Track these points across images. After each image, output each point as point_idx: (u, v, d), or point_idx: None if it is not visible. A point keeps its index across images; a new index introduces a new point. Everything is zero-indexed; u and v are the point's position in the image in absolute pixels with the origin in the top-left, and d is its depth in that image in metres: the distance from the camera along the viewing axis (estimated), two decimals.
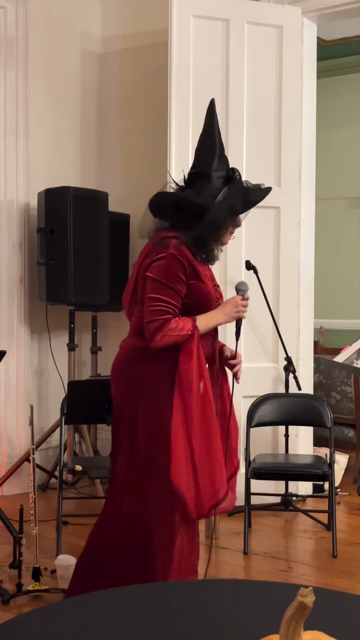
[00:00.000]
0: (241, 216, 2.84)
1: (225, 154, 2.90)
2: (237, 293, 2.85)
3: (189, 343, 2.65)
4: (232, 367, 2.91)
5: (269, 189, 2.89)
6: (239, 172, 2.83)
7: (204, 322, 2.74)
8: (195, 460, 2.63)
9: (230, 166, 2.85)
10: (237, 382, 2.90)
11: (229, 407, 2.92)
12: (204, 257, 2.77)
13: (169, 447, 2.63)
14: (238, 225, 2.86)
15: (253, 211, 4.92)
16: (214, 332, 2.84)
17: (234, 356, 2.90)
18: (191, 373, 2.64)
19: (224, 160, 2.85)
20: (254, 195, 2.82)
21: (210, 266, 2.89)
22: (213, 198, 2.73)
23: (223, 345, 2.96)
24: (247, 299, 2.84)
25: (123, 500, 2.77)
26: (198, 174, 2.81)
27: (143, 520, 2.71)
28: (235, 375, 2.90)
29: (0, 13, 4.83)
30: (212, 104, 2.91)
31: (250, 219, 4.65)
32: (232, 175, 2.80)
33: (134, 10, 5.38)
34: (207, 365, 2.74)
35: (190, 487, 2.63)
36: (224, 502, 2.77)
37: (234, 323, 2.89)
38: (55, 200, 4.69)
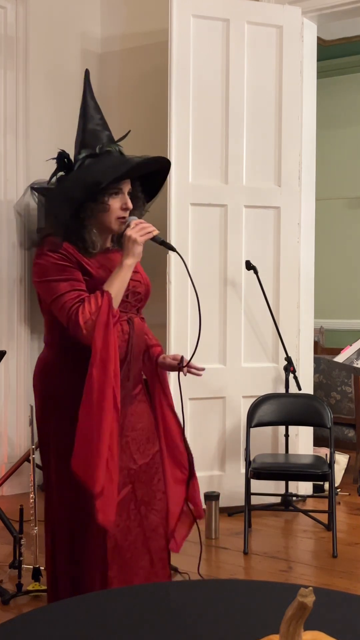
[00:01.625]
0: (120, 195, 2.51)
1: (101, 130, 2.65)
2: (127, 227, 2.52)
3: (100, 316, 2.38)
4: (178, 369, 2.65)
5: (136, 162, 2.53)
6: (103, 148, 2.56)
7: (112, 280, 2.45)
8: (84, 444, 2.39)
9: (107, 143, 2.58)
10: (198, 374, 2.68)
11: (170, 416, 2.69)
12: (83, 247, 2.47)
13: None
14: (126, 208, 2.50)
15: (253, 211, 4.94)
16: (127, 334, 2.54)
17: (181, 361, 2.64)
18: (97, 342, 2.37)
19: (95, 137, 2.60)
20: (104, 174, 2.45)
21: (118, 250, 2.56)
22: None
23: (160, 354, 2.71)
24: (141, 222, 2.51)
25: (53, 519, 2.68)
26: (74, 158, 2.58)
27: (72, 538, 2.59)
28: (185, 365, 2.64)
29: (0, 13, 4.83)
30: (86, 75, 2.67)
31: (250, 219, 4.68)
32: (92, 154, 2.54)
33: (134, 10, 5.38)
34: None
35: (82, 466, 2.38)
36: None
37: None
38: None
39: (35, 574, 3.30)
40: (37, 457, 3.73)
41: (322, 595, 1.63)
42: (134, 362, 2.59)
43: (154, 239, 2.54)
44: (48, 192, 2.54)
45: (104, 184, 2.44)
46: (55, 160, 2.61)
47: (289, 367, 4.50)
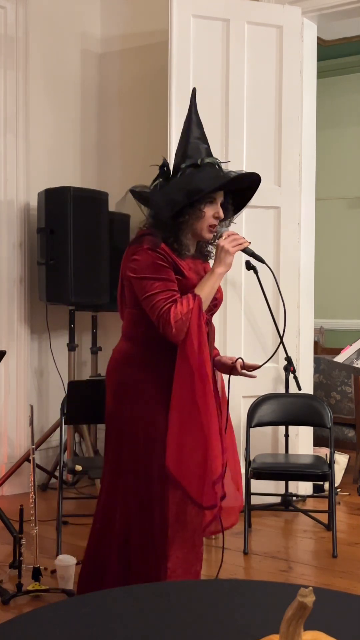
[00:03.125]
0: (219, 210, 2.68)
1: (201, 144, 2.75)
2: (220, 237, 2.71)
3: (192, 317, 2.55)
4: (242, 373, 2.83)
5: (233, 175, 2.70)
6: (203, 160, 2.68)
7: (203, 285, 2.63)
8: (190, 447, 2.57)
9: (206, 155, 2.71)
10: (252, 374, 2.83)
11: (226, 407, 2.87)
12: (177, 249, 2.63)
13: (158, 452, 2.58)
14: (218, 217, 2.68)
15: (253, 211, 4.95)
16: (206, 334, 2.66)
17: (245, 366, 2.81)
18: (191, 349, 2.54)
19: (197, 149, 2.72)
20: (205, 182, 2.61)
21: (202, 260, 2.79)
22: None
23: (218, 354, 2.89)
24: (233, 233, 2.71)
25: (115, 506, 2.72)
26: (174, 167, 2.73)
27: (129, 527, 2.67)
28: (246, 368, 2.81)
29: (0, 13, 4.83)
30: (193, 94, 2.82)
31: (250, 219, 4.68)
32: (194, 164, 2.66)
33: (134, 10, 5.38)
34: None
35: (187, 474, 2.57)
36: (231, 502, 2.76)
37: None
38: (55, 200, 4.69)
39: (35, 574, 3.30)
40: (37, 457, 3.74)
41: (322, 595, 1.63)
42: (211, 362, 2.75)
43: (244, 250, 2.73)
44: (151, 194, 2.69)
45: (205, 191, 2.61)
46: (157, 167, 2.78)
47: (289, 367, 4.50)
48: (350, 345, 5.67)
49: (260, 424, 4.16)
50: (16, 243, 4.93)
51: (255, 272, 4.46)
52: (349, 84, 7.66)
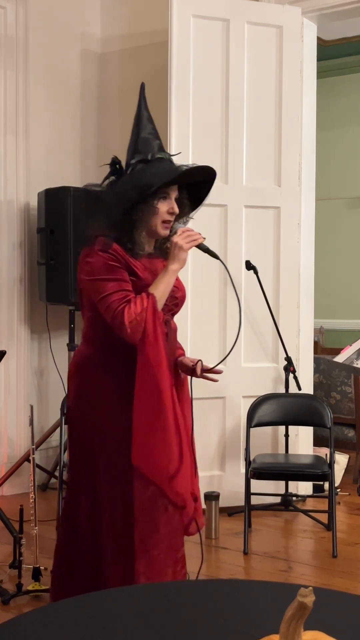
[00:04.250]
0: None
1: (152, 139, 2.72)
2: (174, 234, 2.64)
3: (147, 316, 2.49)
4: (192, 371, 2.75)
5: (184, 169, 2.62)
6: (154, 155, 2.64)
7: (157, 284, 2.57)
8: (158, 447, 2.52)
9: (157, 151, 2.66)
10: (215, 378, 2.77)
11: (191, 413, 2.81)
12: (131, 248, 2.58)
13: (119, 454, 2.54)
14: (173, 212, 2.62)
15: (253, 211, 4.94)
16: (164, 335, 2.61)
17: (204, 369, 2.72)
18: (148, 351, 2.49)
19: (148, 144, 2.68)
20: (156, 177, 2.56)
21: (163, 258, 2.69)
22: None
23: (183, 355, 2.81)
24: (187, 229, 2.64)
25: (79, 508, 2.68)
26: (125, 164, 2.69)
27: (96, 530, 2.63)
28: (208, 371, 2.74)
29: (0, 13, 4.83)
30: (141, 89, 2.83)
31: (250, 219, 4.68)
32: (144, 160, 2.62)
33: (134, 10, 5.38)
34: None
35: (159, 474, 2.52)
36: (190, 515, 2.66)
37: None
38: (55, 200, 4.69)
39: (35, 574, 3.30)
40: (37, 457, 3.74)
41: (322, 595, 1.63)
42: (170, 361, 2.68)
43: (199, 246, 2.66)
44: (102, 193, 2.65)
45: (155, 186, 2.55)
46: (108, 166, 2.72)
47: (289, 367, 4.50)
48: (350, 345, 5.66)
49: (260, 424, 4.16)
50: (16, 243, 4.93)
51: (256, 272, 4.49)
52: (349, 84, 7.66)
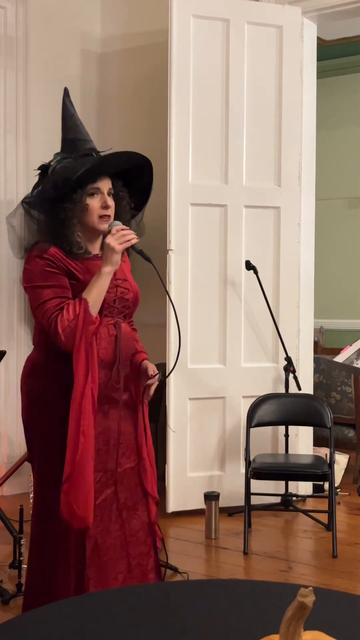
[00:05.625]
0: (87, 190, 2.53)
1: (78, 142, 2.66)
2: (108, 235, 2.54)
3: (77, 322, 2.43)
4: (146, 383, 2.67)
5: (100, 158, 2.58)
6: (78, 153, 2.59)
7: (90, 288, 2.48)
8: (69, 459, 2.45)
9: (82, 149, 2.60)
10: (146, 399, 2.68)
11: (143, 423, 2.69)
12: (69, 249, 2.52)
13: (53, 462, 2.51)
14: (107, 206, 2.54)
15: (253, 211, 4.93)
16: (113, 337, 2.59)
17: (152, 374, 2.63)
18: (76, 358, 2.43)
19: (73, 146, 2.63)
20: (73, 171, 2.50)
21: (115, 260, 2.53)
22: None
23: (144, 360, 2.70)
24: (122, 229, 2.52)
25: (38, 518, 2.67)
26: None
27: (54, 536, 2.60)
28: (145, 391, 2.66)
29: (0, 13, 4.83)
30: (64, 93, 2.81)
31: (250, 219, 4.68)
32: (65, 158, 2.57)
33: (134, 10, 5.38)
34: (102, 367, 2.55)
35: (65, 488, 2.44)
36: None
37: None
38: None
39: None
40: None
41: (322, 595, 1.63)
42: (123, 366, 2.61)
43: (133, 247, 2.56)
44: (30, 200, 2.60)
45: (72, 178, 2.49)
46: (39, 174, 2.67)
47: (289, 367, 4.50)
48: (350, 345, 5.66)
49: (260, 424, 4.16)
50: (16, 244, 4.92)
51: (255, 272, 4.49)
52: (349, 84, 7.66)
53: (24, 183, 4.95)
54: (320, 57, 5.20)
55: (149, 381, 2.64)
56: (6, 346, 4.75)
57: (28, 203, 2.58)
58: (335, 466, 4.57)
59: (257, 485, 4.05)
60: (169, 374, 2.70)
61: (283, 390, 4.52)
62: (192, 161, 4.48)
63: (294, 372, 4.50)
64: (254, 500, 4.12)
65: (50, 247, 2.51)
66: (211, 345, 4.51)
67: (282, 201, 4.64)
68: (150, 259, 2.55)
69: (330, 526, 4.00)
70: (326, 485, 4.68)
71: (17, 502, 3.77)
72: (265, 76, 4.60)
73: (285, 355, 4.50)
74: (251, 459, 4.01)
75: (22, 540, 3.33)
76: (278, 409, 4.18)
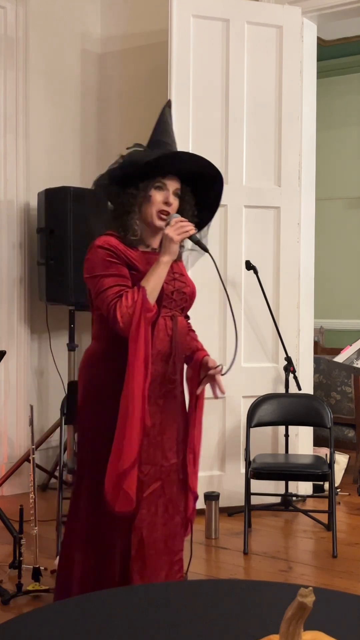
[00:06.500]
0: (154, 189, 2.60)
1: (160, 138, 2.71)
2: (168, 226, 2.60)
3: (135, 309, 2.48)
4: (207, 373, 2.72)
5: (172, 151, 2.64)
6: (152, 145, 2.66)
7: (148, 276, 2.53)
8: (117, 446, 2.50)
9: (163, 147, 2.65)
10: (221, 394, 2.73)
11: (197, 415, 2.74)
12: (124, 235, 2.59)
13: (105, 450, 2.53)
14: (168, 203, 2.60)
15: (253, 211, 4.94)
16: (170, 329, 2.63)
17: (214, 368, 2.70)
18: (132, 344, 2.47)
19: (155, 143, 2.69)
20: (141, 157, 2.58)
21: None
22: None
23: (206, 356, 2.76)
24: (180, 220, 2.58)
25: (80, 507, 2.68)
26: None
27: (102, 527, 2.62)
28: (201, 381, 2.72)
29: (0, 13, 4.83)
30: (167, 104, 2.86)
31: (250, 219, 4.68)
32: (138, 144, 2.68)
33: (134, 10, 5.38)
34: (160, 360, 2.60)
35: (109, 472, 2.49)
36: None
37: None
38: (55, 200, 4.69)
39: (35, 574, 3.30)
40: (37, 457, 3.74)
41: (322, 595, 1.63)
42: (178, 359, 2.67)
43: (191, 238, 2.62)
44: (99, 182, 2.67)
45: (139, 163, 2.56)
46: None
47: (289, 367, 4.50)
48: (350, 345, 5.66)
49: (260, 424, 4.16)
50: (16, 243, 4.93)
51: (255, 272, 4.49)
52: (349, 84, 7.65)
53: (24, 183, 4.96)
54: (320, 57, 5.20)
55: (210, 371, 2.69)
56: (6, 346, 4.75)
57: (96, 185, 2.65)
58: (335, 466, 4.57)
59: (257, 485, 4.05)
60: (227, 371, 2.72)
61: (283, 390, 4.52)
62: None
63: (294, 372, 4.51)
64: (254, 500, 4.12)
65: (112, 238, 2.57)
66: (211, 345, 4.48)
67: (282, 201, 4.64)
68: (207, 249, 2.65)
69: (330, 526, 4.00)
70: (326, 485, 4.68)
71: (17, 502, 3.77)
72: (265, 76, 4.60)
73: (285, 355, 4.51)
74: (251, 459, 4.01)
75: (22, 540, 3.33)
76: (278, 409, 4.18)
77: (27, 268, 4.98)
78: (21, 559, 3.31)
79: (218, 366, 2.70)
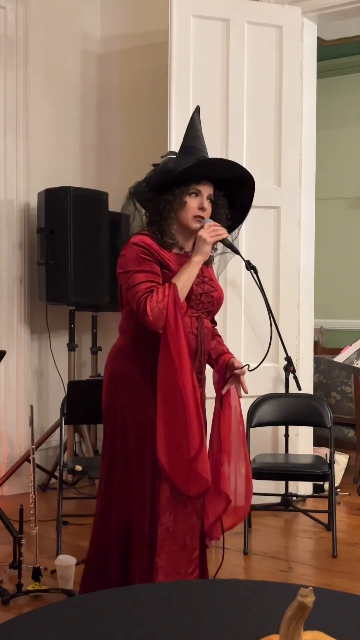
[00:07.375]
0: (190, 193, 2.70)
1: (197, 145, 2.81)
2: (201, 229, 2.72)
3: (168, 304, 2.57)
4: (232, 373, 2.83)
5: (206, 158, 2.74)
6: (186, 153, 2.75)
7: (180, 274, 2.64)
8: (175, 436, 2.59)
9: (195, 154, 2.74)
10: (244, 393, 2.86)
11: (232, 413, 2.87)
12: (161, 237, 2.69)
13: (148, 442, 2.62)
14: (203, 208, 2.70)
15: (253, 211, 4.93)
16: (195, 329, 2.72)
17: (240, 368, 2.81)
18: (167, 337, 2.57)
19: (187, 149, 2.79)
20: (177, 165, 2.69)
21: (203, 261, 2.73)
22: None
23: (232, 357, 2.88)
24: (214, 224, 2.70)
25: (111, 502, 2.74)
26: None
27: (128, 521, 2.70)
28: (227, 380, 2.84)
29: (0, 13, 4.83)
30: (195, 110, 2.94)
31: (250, 219, 4.66)
32: (173, 152, 2.80)
33: (134, 10, 5.38)
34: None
35: (174, 463, 2.59)
36: (239, 501, 2.78)
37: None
38: (55, 200, 4.69)
39: (35, 574, 3.30)
40: (37, 457, 3.74)
41: (322, 595, 1.63)
42: (204, 358, 2.77)
43: (223, 241, 2.75)
44: (135, 189, 2.79)
45: (175, 170, 2.66)
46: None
47: (289, 367, 4.50)
48: (350, 345, 5.66)
49: (260, 424, 4.16)
50: (16, 243, 4.93)
51: (255, 272, 4.47)
52: (349, 84, 7.65)
53: (24, 183, 4.95)
54: (320, 57, 5.20)
55: (236, 371, 2.80)
56: (6, 346, 4.75)
57: (133, 192, 2.77)
58: (335, 466, 4.57)
59: (257, 485, 4.03)
60: (255, 368, 2.81)
61: (283, 390, 4.52)
62: None
63: (294, 372, 4.50)
64: (254, 500, 4.09)
65: (147, 237, 2.67)
66: None
67: (282, 201, 4.64)
68: (239, 251, 2.82)
69: (330, 526, 4.00)
70: (326, 485, 4.68)
71: (17, 502, 3.77)
72: (265, 76, 4.60)
73: (285, 355, 4.50)
74: (251, 459, 4.01)
75: (22, 540, 3.33)
76: (278, 409, 4.18)
77: (27, 268, 4.98)
78: (21, 559, 3.31)
79: (244, 366, 2.80)
